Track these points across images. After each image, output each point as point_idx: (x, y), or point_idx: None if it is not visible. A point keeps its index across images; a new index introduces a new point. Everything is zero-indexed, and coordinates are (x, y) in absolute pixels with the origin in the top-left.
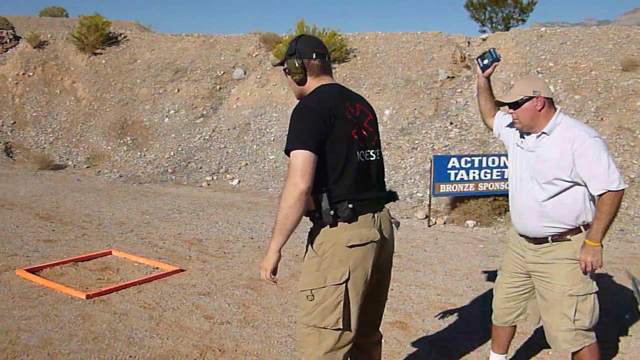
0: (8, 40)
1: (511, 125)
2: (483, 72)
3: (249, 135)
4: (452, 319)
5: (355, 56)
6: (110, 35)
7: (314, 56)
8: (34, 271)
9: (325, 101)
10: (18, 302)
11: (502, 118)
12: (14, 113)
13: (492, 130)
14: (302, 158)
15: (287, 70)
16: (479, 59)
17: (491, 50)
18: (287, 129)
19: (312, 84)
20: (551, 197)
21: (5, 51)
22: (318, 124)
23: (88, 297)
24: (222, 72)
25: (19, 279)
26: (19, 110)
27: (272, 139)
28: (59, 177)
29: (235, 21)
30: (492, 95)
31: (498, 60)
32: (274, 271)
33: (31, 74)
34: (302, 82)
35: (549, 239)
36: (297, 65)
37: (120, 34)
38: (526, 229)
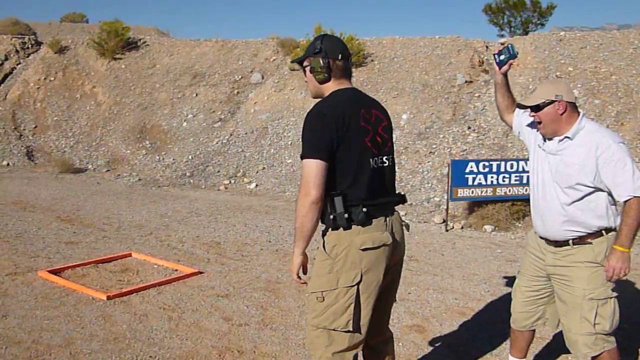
0: (30, 46)
1: (532, 124)
2: (499, 68)
3: (266, 140)
4: (470, 323)
5: (372, 60)
6: (130, 40)
7: (340, 57)
8: (56, 272)
9: (340, 108)
10: (40, 302)
11: (523, 116)
12: (35, 117)
13: (511, 127)
14: (314, 168)
15: (310, 69)
16: (495, 55)
17: (509, 46)
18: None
19: (332, 85)
20: (574, 202)
21: (27, 56)
22: (330, 132)
23: (109, 298)
24: (240, 77)
25: (41, 280)
26: (40, 114)
27: (289, 143)
28: (79, 180)
29: (253, 26)
30: (509, 91)
31: (515, 56)
32: (304, 271)
33: (52, 78)
34: (324, 81)
35: (570, 242)
36: (322, 64)
37: (140, 39)
38: (548, 232)
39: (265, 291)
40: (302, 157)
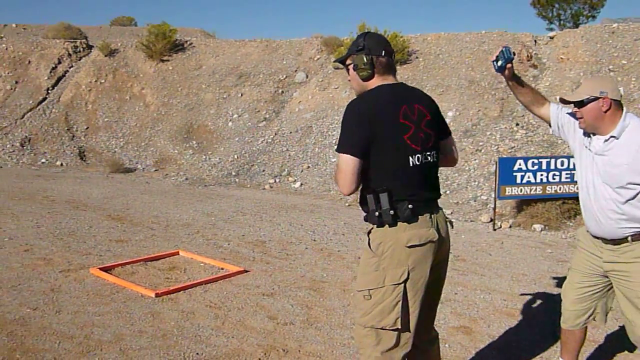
0: (82, 50)
1: (573, 122)
2: (501, 73)
3: (310, 138)
4: (519, 324)
5: (417, 57)
6: (177, 42)
7: (383, 53)
8: (106, 270)
9: (376, 105)
10: (92, 299)
11: (561, 112)
12: (87, 119)
13: (548, 123)
14: (348, 163)
15: (353, 66)
16: (493, 62)
17: (503, 50)
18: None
19: (376, 82)
20: (628, 200)
21: (79, 60)
22: (364, 131)
23: (157, 295)
24: (284, 76)
25: (92, 277)
26: (91, 116)
27: (333, 141)
28: (128, 179)
29: (297, 25)
30: (526, 87)
31: (511, 59)
32: None
33: (103, 81)
34: (368, 78)
35: (629, 238)
36: (365, 61)
37: (186, 41)
38: (604, 232)
39: (309, 290)
40: (337, 150)
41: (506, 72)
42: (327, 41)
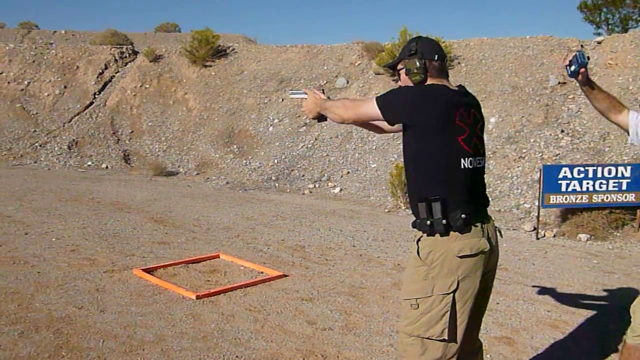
0: (127, 55)
1: None
2: (574, 78)
3: (351, 144)
4: (564, 337)
5: (459, 63)
6: (220, 48)
7: (436, 57)
8: (149, 271)
9: (433, 95)
10: (135, 299)
11: None
12: (131, 123)
13: (626, 131)
14: (369, 109)
15: (406, 71)
16: (567, 67)
17: (577, 54)
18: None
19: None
20: None
21: (125, 65)
22: (407, 111)
23: (198, 297)
24: (325, 82)
25: (135, 278)
26: (136, 120)
27: (374, 147)
28: (171, 183)
29: (338, 31)
30: (602, 92)
31: (585, 64)
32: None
33: (147, 86)
34: (421, 82)
35: None
36: (418, 65)
37: (229, 47)
38: None
39: (348, 296)
40: (375, 97)
41: (579, 77)
42: (368, 47)
